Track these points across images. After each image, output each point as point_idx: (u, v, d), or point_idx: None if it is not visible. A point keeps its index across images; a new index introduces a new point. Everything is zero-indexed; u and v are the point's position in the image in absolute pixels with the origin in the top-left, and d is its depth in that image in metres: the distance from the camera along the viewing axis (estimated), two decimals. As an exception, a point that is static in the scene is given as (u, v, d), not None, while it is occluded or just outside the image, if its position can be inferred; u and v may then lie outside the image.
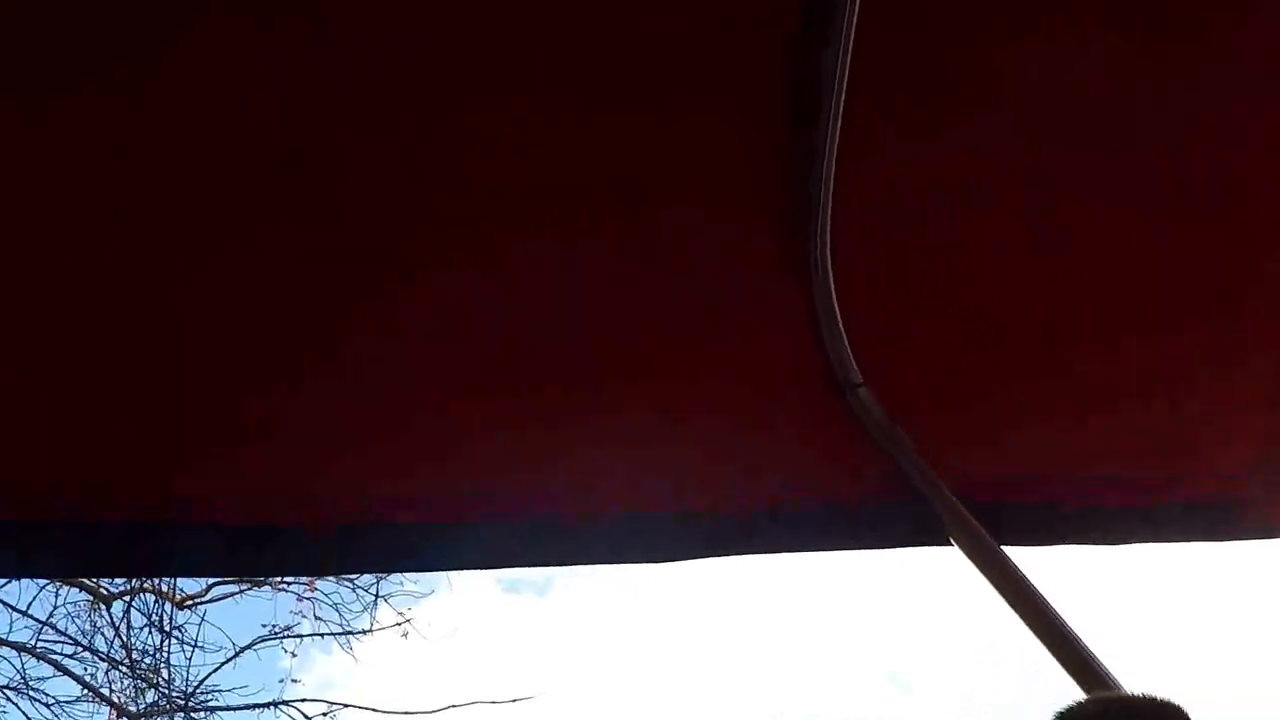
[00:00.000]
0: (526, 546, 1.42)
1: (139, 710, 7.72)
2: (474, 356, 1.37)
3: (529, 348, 1.37)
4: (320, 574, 6.91)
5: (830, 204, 1.32)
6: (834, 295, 1.37)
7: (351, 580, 7.95)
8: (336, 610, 8.10)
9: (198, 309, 1.28)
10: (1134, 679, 1.30)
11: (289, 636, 7.98)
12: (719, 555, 1.43)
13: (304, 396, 1.35)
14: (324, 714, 7.90)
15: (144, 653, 7.62)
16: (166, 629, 7.31)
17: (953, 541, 1.40)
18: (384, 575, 7.75)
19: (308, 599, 8.08)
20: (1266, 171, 1.41)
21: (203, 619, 7.56)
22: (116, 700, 7.70)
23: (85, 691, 7.58)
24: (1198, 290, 1.49)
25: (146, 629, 7.45)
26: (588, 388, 1.41)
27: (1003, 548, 1.38)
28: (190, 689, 7.59)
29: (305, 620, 8.13)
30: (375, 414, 1.38)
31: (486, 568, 1.53)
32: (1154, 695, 1.07)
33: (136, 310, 1.27)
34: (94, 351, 1.28)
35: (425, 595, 8.18)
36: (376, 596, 7.96)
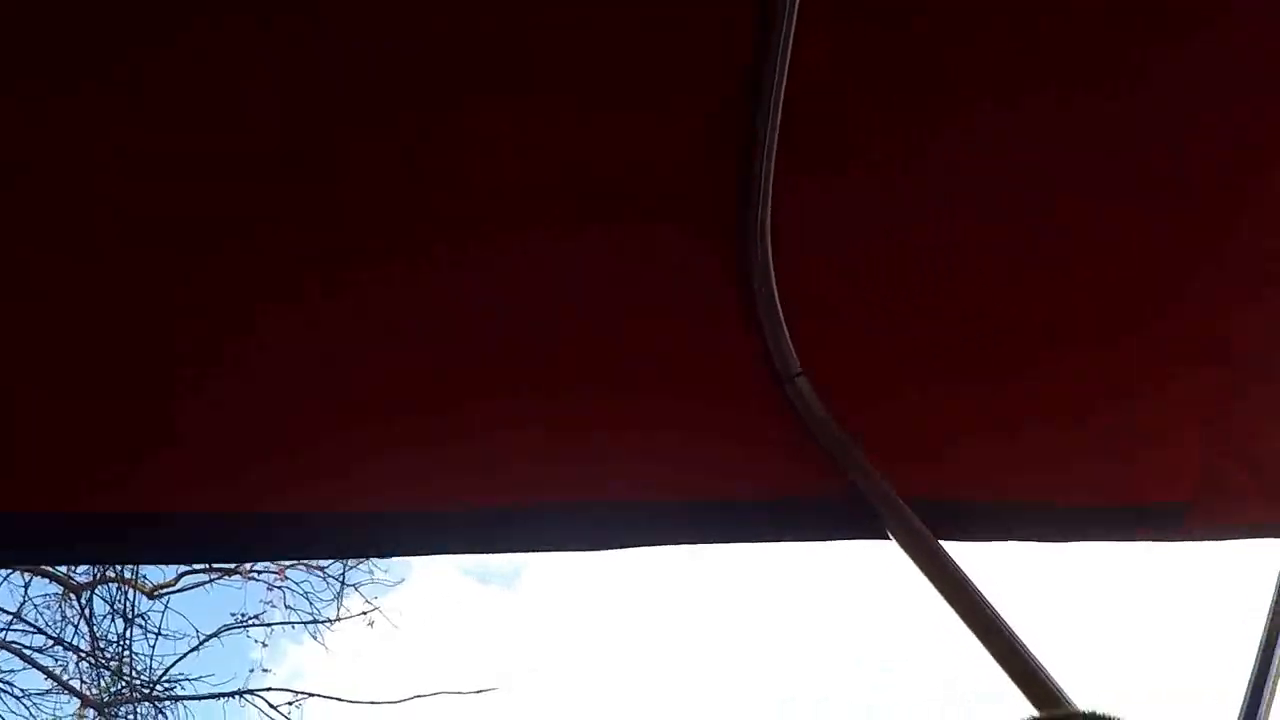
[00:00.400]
0: (456, 535, 1.41)
1: (105, 699, 7.68)
2: (428, 351, 1.36)
3: (477, 341, 1.37)
4: (285, 558, 6.88)
5: (770, 195, 1.32)
6: (774, 285, 1.36)
7: (321, 568, 7.95)
8: (307, 599, 8.10)
9: (189, 305, 1.27)
10: (1063, 672, 1.31)
11: (255, 625, 7.96)
12: (653, 545, 1.42)
13: (276, 387, 1.34)
14: (290, 703, 7.88)
15: (110, 642, 7.60)
16: (130, 616, 7.27)
17: (890, 535, 1.39)
18: (351, 564, 7.76)
19: (278, 587, 8.07)
20: (1211, 172, 1.41)
21: (166, 607, 7.53)
22: (84, 691, 7.67)
23: (54, 683, 7.55)
24: (1149, 293, 1.49)
25: (110, 618, 7.41)
26: (533, 380, 1.40)
27: (940, 542, 1.38)
28: (156, 677, 7.56)
29: (275, 609, 8.12)
30: (338, 405, 1.37)
31: (428, 554, 1.52)
32: (1090, 712, 1.06)
33: (131, 307, 1.26)
34: (77, 345, 1.27)
35: (395, 584, 8.19)
36: (343, 584, 7.95)
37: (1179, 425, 1.57)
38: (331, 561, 7.88)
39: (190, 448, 1.33)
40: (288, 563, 7.86)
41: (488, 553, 1.53)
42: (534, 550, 1.45)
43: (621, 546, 1.41)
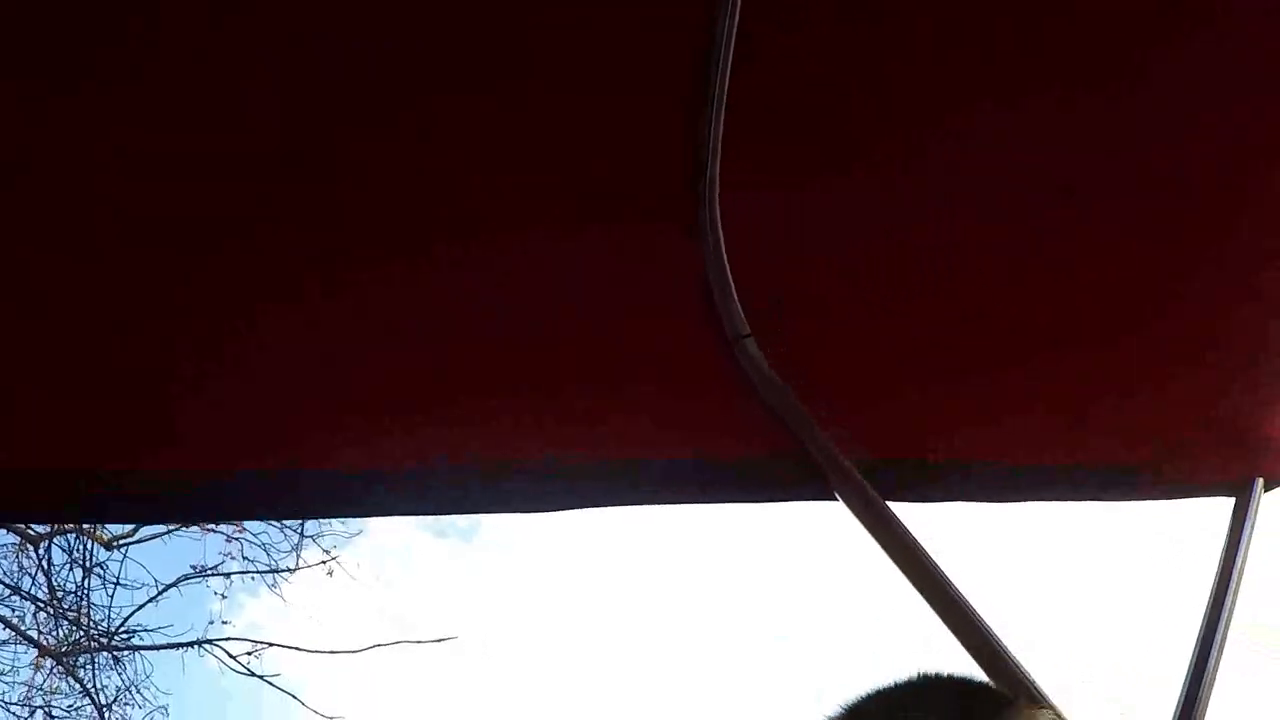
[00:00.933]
0: (410, 497, 1.40)
1: (63, 649, 7.64)
2: (389, 321, 1.37)
3: (438, 311, 1.37)
4: (242, 519, 6.85)
5: (719, 159, 1.32)
6: (722, 247, 1.35)
7: (279, 520, 7.91)
8: (265, 550, 8.07)
9: (188, 305, 1.29)
10: (1006, 630, 1.32)
11: (213, 574, 7.93)
12: (597, 506, 1.41)
13: (247, 356, 1.34)
14: (249, 653, 7.87)
15: (68, 592, 7.55)
16: (88, 566, 7.21)
17: (837, 496, 1.39)
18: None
19: (236, 539, 8.04)
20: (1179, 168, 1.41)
21: (125, 556, 7.48)
22: (42, 640, 7.63)
23: (11, 633, 7.50)
24: (1107, 255, 1.48)
25: (68, 567, 7.35)
26: (485, 345, 1.39)
27: (888, 503, 1.38)
28: (114, 627, 7.52)
29: (234, 561, 8.09)
30: (307, 370, 1.37)
31: (379, 515, 1.51)
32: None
33: (129, 304, 1.27)
34: (75, 343, 1.28)
35: (353, 535, 8.17)
36: (302, 535, 7.92)
37: (1133, 385, 1.57)
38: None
39: (181, 429, 1.34)
40: (247, 513, 7.80)
41: (434, 514, 1.52)
42: (477, 511, 1.44)
43: (564, 508, 1.41)
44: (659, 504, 1.43)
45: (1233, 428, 1.63)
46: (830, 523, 1.42)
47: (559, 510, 1.41)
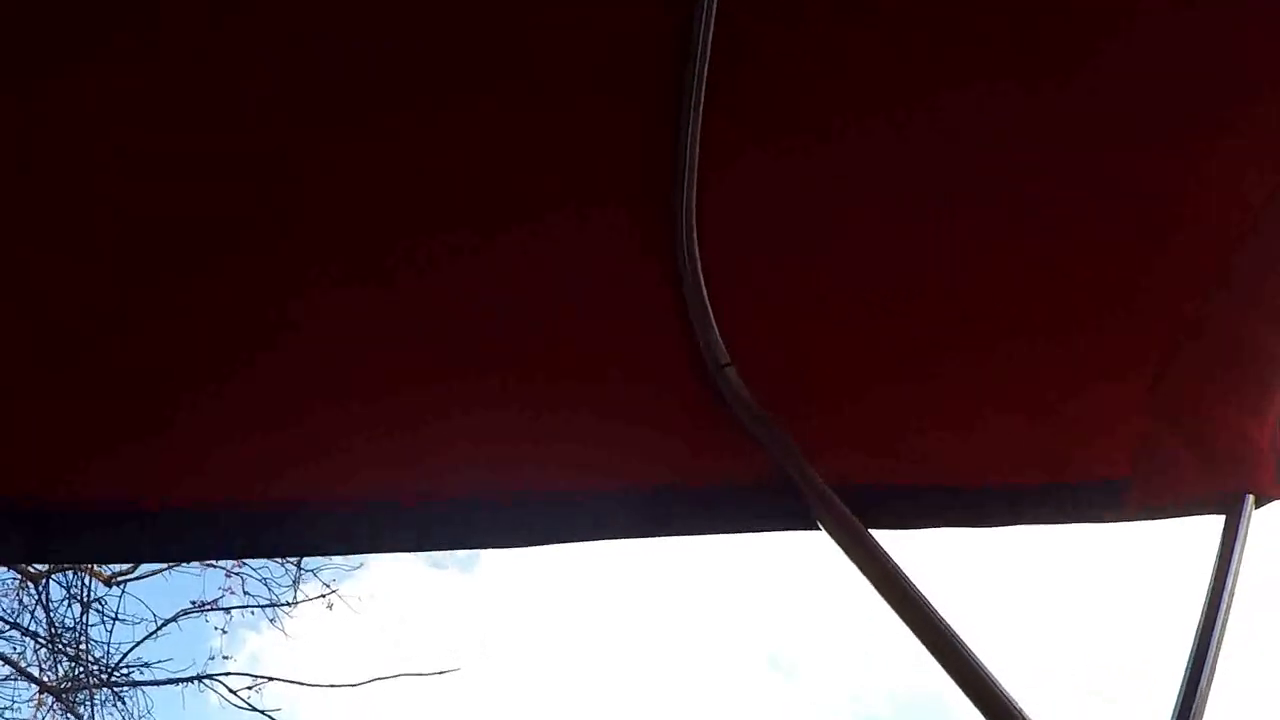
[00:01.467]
0: (384, 533, 1.39)
1: (63, 685, 7.61)
2: (360, 346, 1.36)
3: (408, 336, 1.36)
4: (233, 557, 6.83)
5: (695, 184, 1.32)
6: (700, 273, 1.35)
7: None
8: (265, 584, 8.05)
9: (187, 304, 1.28)
10: (992, 654, 1.31)
11: (213, 609, 7.91)
12: (581, 540, 1.40)
13: (244, 385, 1.33)
14: (249, 687, 7.84)
15: (68, 629, 7.53)
16: (86, 600, 7.19)
17: (820, 525, 1.38)
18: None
19: (236, 574, 8.02)
20: (1145, 178, 1.41)
21: (123, 591, 7.46)
22: (42, 677, 7.60)
23: (11, 670, 7.47)
24: (1084, 274, 1.48)
25: (66, 603, 7.34)
26: (462, 376, 1.39)
27: (870, 531, 1.37)
28: (114, 663, 7.49)
29: (234, 595, 8.07)
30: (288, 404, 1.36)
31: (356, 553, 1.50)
32: None
33: (128, 304, 1.26)
34: (74, 343, 1.26)
35: (353, 569, 8.15)
36: (299, 568, 7.91)
37: (1114, 402, 1.57)
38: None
39: (170, 441, 1.32)
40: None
41: (415, 550, 1.51)
42: (461, 547, 1.43)
43: (548, 542, 1.40)
44: (640, 537, 1.42)
45: (1219, 442, 1.62)
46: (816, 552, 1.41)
47: (538, 545, 1.40)
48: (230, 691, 7.86)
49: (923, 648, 1.32)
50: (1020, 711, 1.27)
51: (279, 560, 7.90)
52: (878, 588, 1.33)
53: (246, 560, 7.83)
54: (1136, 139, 1.40)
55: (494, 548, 1.44)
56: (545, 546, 1.43)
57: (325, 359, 1.33)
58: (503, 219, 1.33)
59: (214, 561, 7.81)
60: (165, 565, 7.87)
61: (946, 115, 1.36)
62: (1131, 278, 1.50)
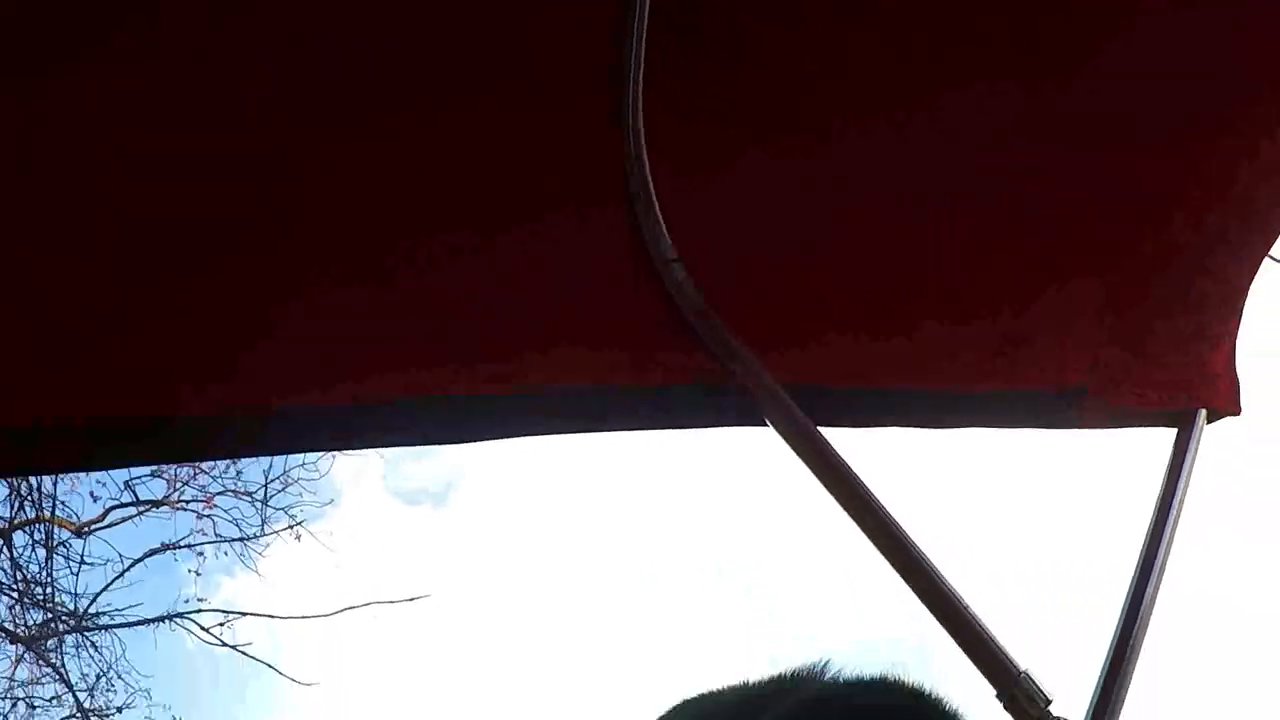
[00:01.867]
0: (337, 429, 1.37)
1: (30, 633, 7.59)
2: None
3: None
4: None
5: (641, 79, 1.32)
6: (646, 165, 1.34)
7: (249, 493, 7.90)
8: (236, 525, 8.05)
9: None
10: (942, 557, 1.30)
11: (181, 547, 7.89)
12: (529, 434, 1.39)
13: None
14: (221, 624, 7.85)
15: (37, 582, 7.51)
16: (50, 546, 7.17)
17: (768, 423, 1.37)
18: (277, 487, 7.70)
19: (206, 516, 8.01)
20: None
21: (86, 541, 7.44)
22: (10, 627, 7.58)
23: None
24: (1045, 190, 1.47)
25: (30, 548, 7.30)
26: (411, 273, 1.37)
27: (820, 429, 1.36)
28: (83, 608, 7.48)
29: (205, 537, 8.07)
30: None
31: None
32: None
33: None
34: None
35: (323, 505, 8.17)
36: (265, 504, 7.91)
37: (1071, 312, 1.56)
38: (258, 487, 7.86)
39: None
40: (215, 490, 7.81)
41: (369, 447, 1.51)
42: (404, 444, 1.42)
43: (488, 438, 1.38)
44: (586, 432, 1.41)
45: (1174, 357, 1.61)
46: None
47: (482, 440, 1.38)
48: (202, 629, 7.88)
49: (873, 547, 1.32)
50: (968, 609, 1.27)
51: (247, 498, 7.89)
52: (826, 484, 1.32)
53: (217, 502, 7.84)
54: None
55: (435, 444, 1.44)
56: (492, 441, 1.42)
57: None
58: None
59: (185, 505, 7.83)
60: (136, 511, 7.87)
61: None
62: (1085, 199, 1.50)
